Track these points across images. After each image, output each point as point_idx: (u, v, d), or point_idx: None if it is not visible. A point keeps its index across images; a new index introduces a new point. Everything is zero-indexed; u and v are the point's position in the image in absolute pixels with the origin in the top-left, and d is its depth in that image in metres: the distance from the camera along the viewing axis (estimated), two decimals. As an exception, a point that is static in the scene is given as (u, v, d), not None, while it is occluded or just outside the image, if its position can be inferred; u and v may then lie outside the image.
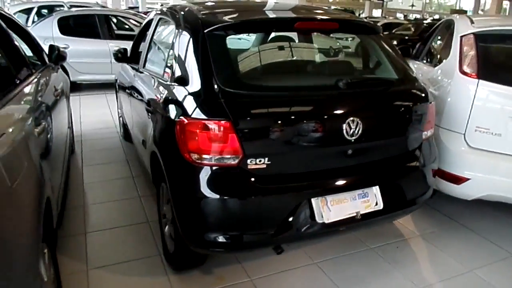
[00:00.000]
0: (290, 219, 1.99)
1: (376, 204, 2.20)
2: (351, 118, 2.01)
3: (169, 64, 2.40)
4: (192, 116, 1.92)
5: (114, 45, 7.03)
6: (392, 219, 2.59)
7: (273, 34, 2.36)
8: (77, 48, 6.62)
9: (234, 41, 2.15)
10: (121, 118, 4.65)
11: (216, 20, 2.16)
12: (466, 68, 2.75)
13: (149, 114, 2.51)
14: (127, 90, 3.58)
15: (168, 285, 2.29)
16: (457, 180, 2.72)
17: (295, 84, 2.15)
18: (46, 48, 3.42)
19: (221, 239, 1.94)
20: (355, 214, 2.12)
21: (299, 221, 2.01)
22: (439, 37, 3.89)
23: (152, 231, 2.83)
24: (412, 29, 14.01)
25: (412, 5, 38.68)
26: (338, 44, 2.58)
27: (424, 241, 2.84)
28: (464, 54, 2.85)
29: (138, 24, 8.88)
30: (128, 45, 6.95)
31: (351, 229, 2.21)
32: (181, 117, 1.96)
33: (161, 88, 2.37)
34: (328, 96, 2.08)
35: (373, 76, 2.43)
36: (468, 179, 2.68)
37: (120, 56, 3.88)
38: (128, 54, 3.90)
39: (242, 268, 2.45)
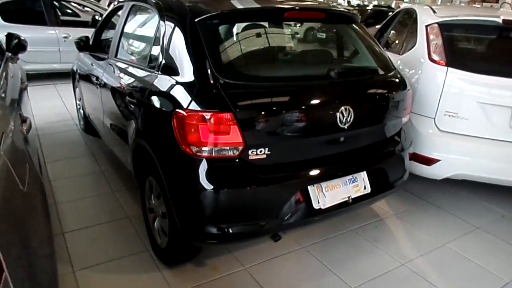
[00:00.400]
0: (290, 206, 2.03)
1: (365, 188, 2.31)
2: (344, 106, 2.08)
3: (154, 54, 2.32)
4: (190, 108, 1.89)
5: (62, 32, 6.61)
6: (376, 201, 2.73)
7: (262, 24, 2.35)
8: (24, 37, 6.11)
9: (225, 31, 2.11)
10: (81, 110, 4.41)
11: (206, 9, 2.11)
12: (434, 56, 2.92)
13: (131, 105, 2.41)
14: (92, 80, 3.40)
15: (163, 281, 2.25)
16: (429, 161, 2.91)
17: (291, 74, 2.17)
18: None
19: (223, 231, 1.94)
20: (347, 199, 2.22)
21: (298, 208, 2.06)
22: (400, 26, 4.07)
23: (135, 227, 2.75)
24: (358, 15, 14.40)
25: (352, -9, 39.74)
26: (323, 33, 2.63)
27: (398, 220, 3.02)
28: (431, 43, 3.02)
29: (83, 9, 8.40)
30: (75, 31, 6.69)
31: (343, 213, 2.30)
32: (178, 110, 1.91)
33: (147, 78, 2.29)
34: (324, 86, 2.13)
35: (360, 65, 2.52)
36: (438, 160, 2.88)
37: (83, 44, 3.67)
38: (90, 43, 3.70)
39: (234, 258, 2.47)
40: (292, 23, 2.43)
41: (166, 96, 2.07)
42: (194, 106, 1.89)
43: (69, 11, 7.78)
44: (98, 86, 3.19)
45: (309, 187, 2.09)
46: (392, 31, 4.24)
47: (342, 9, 2.49)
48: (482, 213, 3.15)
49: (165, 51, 2.16)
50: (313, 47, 2.62)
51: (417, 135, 2.90)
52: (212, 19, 2.08)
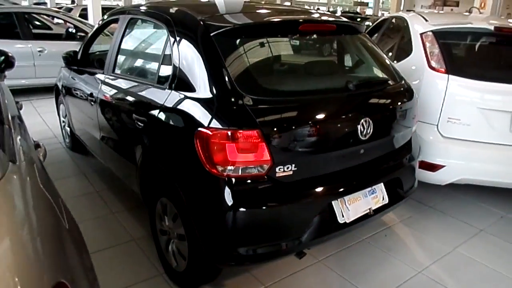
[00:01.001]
0: (317, 222, 1.99)
1: (383, 198, 2.31)
2: (364, 118, 2.07)
3: (163, 70, 2.23)
4: (213, 126, 1.82)
5: (37, 46, 6.34)
6: (391, 211, 2.73)
7: (277, 37, 2.31)
8: (-3, 50, 5.81)
9: (241, 44, 2.06)
10: (67, 127, 4.22)
11: (220, 23, 2.05)
12: (434, 64, 2.98)
13: (139, 123, 2.31)
14: (84, 97, 3.26)
15: (183, 306, 2.16)
16: (433, 167, 2.95)
17: (311, 87, 2.15)
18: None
19: (253, 251, 1.88)
20: (368, 211, 2.21)
21: (324, 224, 2.03)
22: (389, 34, 4.15)
23: (142, 250, 2.63)
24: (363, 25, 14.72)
25: (318, -2, 40.63)
26: (333, 45, 2.63)
27: (406, 227, 3.04)
28: (429, 51, 3.08)
29: (54, 22, 8.10)
30: (50, 45, 6.44)
31: (364, 225, 2.28)
32: (201, 128, 1.83)
33: (157, 95, 2.20)
34: (344, 98, 2.12)
35: (373, 76, 2.53)
36: (443, 166, 2.92)
37: (71, 59, 3.52)
38: (78, 57, 3.55)
39: (253, 277, 2.40)
40: (306, 36, 2.40)
41: (183, 114, 1.99)
42: (216, 124, 1.83)
43: (41, 24, 7.48)
44: (92, 103, 3.05)
45: (333, 201, 2.06)
46: (380, 40, 4.31)
47: (350, 21, 2.50)
48: (482, 215, 3.23)
49: (178, 67, 2.09)
50: (326, 59, 2.61)
51: (421, 142, 2.93)
52: (228, 33, 2.02)
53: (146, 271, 2.43)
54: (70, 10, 10.60)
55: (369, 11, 33.23)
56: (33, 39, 6.43)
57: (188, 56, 2.05)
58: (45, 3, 14.00)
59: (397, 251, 2.72)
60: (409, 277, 2.46)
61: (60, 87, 4.05)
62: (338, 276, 2.44)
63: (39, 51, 6.32)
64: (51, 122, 5.20)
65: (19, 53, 6.21)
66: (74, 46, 6.42)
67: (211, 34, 1.99)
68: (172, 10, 2.34)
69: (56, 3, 13.91)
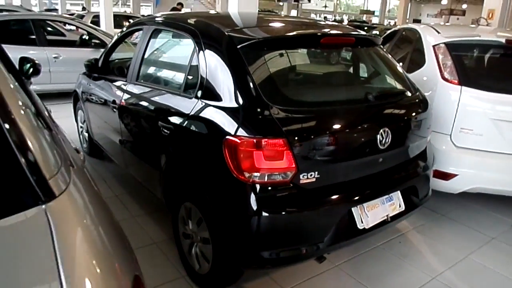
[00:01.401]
0: (337, 228, 2.07)
1: (400, 206, 2.38)
2: (383, 128, 2.16)
3: (190, 80, 2.33)
4: (240, 134, 1.91)
5: (52, 52, 6.48)
6: (407, 218, 2.81)
7: (300, 50, 2.41)
8: (12, 57, 5.94)
9: (266, 56, 2.16)
10: (85, 133, 4.32)
11: (246, 36, 2.15)
12: (447, 76, 3.07)
13: (165, 130, 2.41)
14: (106, 103, 3.36)
15: (206, 307, 2.23)
16: (446, 176, 3.03)
17: (333, 98, 2.24)
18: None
19: (277, 255, 1.96)
20: (386, 217, 2.28)
21: (344, 229, 2.11)
22: (401, 45, 4.24)
23: (164, 253, 2.72)
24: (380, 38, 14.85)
25: (325, 6, 40.98)
26: (352, 57, 2.72)
27: (418, 234, 3.11)
28: (441, 63, 3.16)
29: (66, 28, 8.26)
30: (65, 51, 6.58)
31: (381, 231, 2.36)
32: (229, 137, 1.92)
33: (184, 104, 2.29)
34: (364, 109, 2.21)
35: (391, 87, 2.61)
36: (456, 175, 3.00)
37: (92, 67, 3.64)
38: (99, 65, 3.67)
39: (272, 280, 2.47)
40: (326, 48, 2.51)
41: (210, 122, 2.08)
42: (243, 132, 1.92)
43: (54, 30, 7.63)
44: (115, 110, 3.16)
45: (353, 208, 2.14)
46: (392, 51, 4.40)
47: (367, 34, 2.60)
48: (494, 224, 3.29)
49: (206, 77, 2.18)
50: (346, 70, 2.70)
51: (435, 151, 3.01)
52: (253, 45, 2.12)
53: (169, 273, 2.51)
54: (82, 17, 10.79)
55: (375, 20, 33.47)
56: (48, 46, 6.58)
57: (215, 67, 2.14)
58: (56, 10, 14.25)
59: (411, 258, 2.79)
60: (423, 283, 2.53)
61: (79, 93, 4.16)
62: (355, 281, 2.51)
63: (55, 57, 6.47)
64: (67, 127, 5.24)
65: (36, 59, 6.39)
66: (89, 52, 6.63)
67: (238, 47, 2.09)
68: (198, 23, 2.44)
69: (67, 10, 14.14)
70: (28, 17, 6.53)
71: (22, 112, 1.02)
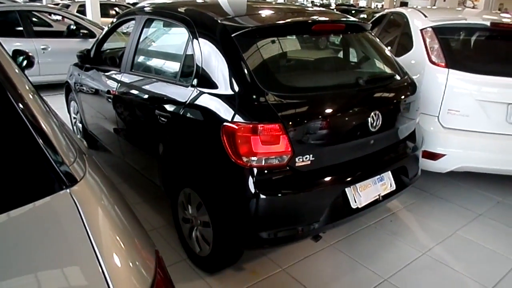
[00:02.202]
0: (332, 208, 2.17)
1: (391, 185, 2.49)
2: (374, 111, 2.25)
3: (186, 68, 2.38)
4: (237, 120, 1.98)
5: (40, 43, 6.42)
6: (398, 197, 2.92)
7: (292, 36, 2.47)
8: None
9: (260, 44, 2.22)
10: (78, 124, 4.35)
11: (240, 24, 2.20)
12: (434, 59, 3.15)
13: (162, 119, 2.46)
14: (100, 94, 3.39)
15: (208, 287, 2.33)
16: (434, 156, 3.14)
17: (326, 83, 2.32)
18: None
19: (275, 235, 2.05)
20: (378, 197, 2.39)
21: (338, 209, 2.21)
22: (389, 29, 4.31)
23: (164, 238, 2.80)
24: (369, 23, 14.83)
25: (313, -10, 40.68)
26: (343, 43, 2.79)
27: (409, 212, 3.23)
28: (429, 46, 3.25)
29: (53, 19, 8.15)
30: (53, 42, 6.52)
31: (374, 210, 2.46)
32: (227, 123, 1.99)
33: (180, 92, 2.34)
34: (356, 93, 2.29)
35: (381, 72, 2.69)
36: (444, 155, 3.11)
37: (84, 57, 3.66)
38: (91, 55, 3.68)
39: (270, 260, 2.57)
40: (317, 35, 2.57)
41: (207, 110, 2.14)
42: (240, 118, 1.99)
43: (40, 21, 7.53)
44: (110, 100, 3.19)
45: (346, 188, 2.24)
46: (381, 35, 4.47)
47: (357, 20, 2.66)
48: (481, 201, 3.43)
49: (201, 66, 2.24)
50: (337, 56, 2.77)
51: (423, 132, 3.11)
52: (247, 33, 2.17)
53: (171, 257, 2.59)
54: (67, 6, 10.62)
55: (362, 3, 33.39)
56: (35, 37, 6.52)
57: (210, 56, 2.20)
58: (40, 0, 13.97)
59: (402, 235, 2.91)
60: (414, 258, 2.65)
61: (71, 84, 4.17)
62: (349, 258, 2.62)
63: (43, 48, 6.41)
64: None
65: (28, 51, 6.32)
66: (77, 43, 6.59)
67: (232, 35, 2.14)
68: (191, 12, 2.48)
69: (52, 0, 13.89)
70: (14, 9, 6.44)
71: (38, 106, 1.08)
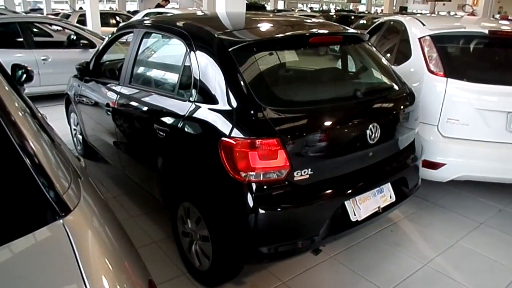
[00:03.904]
0: (331, 221, 2.16)
1: (390, 197, 2.48)
2: (372, 124, 2.24)
3: (184, 83, 2.39)
4: (235, 135, 1.97)
5: (41, 54, 6.45)
6: (398, 208, 2.91)
7: (289, 50, 2.48)
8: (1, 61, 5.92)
9: (257, 58, 2.22)
10: (78, 135, 4.36)
11: (237, 38, 2.21)
12: (433, 68, 3.15)
13: (160, 133, 2.46)
14: (99, 106, 3.40)
15: (208, 302, 2.32)
16: (434, 165, 3.13)
17: (323, 97, 2.31)
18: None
19: (275, 249, 2.04)
20: (377, 209, 2.37)
21: (338, 222, 2.20)
22: (387, 38, 4.31)
23: (164, 251, 2.79)
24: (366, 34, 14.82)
25: (311, -4, 40.98)
26: (340, 54, 2.79)
27: (410, 222, 3.22)
28: (427, 55, 3.25)
29: (54, 29, 8.19)
30: (53, 53, 6.55)
31: (374, 222, 2.45)
32: (225, 138, 1.99)
33: (178, 107, 2.34)
34: (353, 106, 2.29)
35: (379, 83, 2.69)
36: (444, 164, 3.10)
37: (83, 70, 3.67)
38: (91, 68, 3.69)
39: (270, 273, 2.56)
40: (315, 47, 2.57)
41: (206, 124, 2.14)
42: (237, 133, 1.98)
43: (41, 31, 7.57)
44: (109, 112, 3.19)
45: (345, 201, 2.23)
46: (379, 43, 4.48)
47: (354, 31, 2.67)
48: (482, 210, 3.41)
49: (199, 80, 2.24)
50: (335, 68, 2.77)
51: (423, 142, 3.10)
52: (244, 48, 2.18)
53: (170, 271, 2.58)
54: (68, 16, 10.69)
55: (362, 8, 33.54)
56: (36, 48, 6.55)
57: (208, 71, 2.20)
58: (40, 10, 14.06)
59: (403, 245, 2.89)
60: (415, 269, 2.63)
61: (71, 96, 4.18)
62: (350, 271, 2.60)
63: (43, 59, 6.44)
64: (60, 130, 5.25)
65: (24, 62, 6.29)
66: (77, 53, 6.62)
67: (229, 50, 2.14)
68: (189, 26, 2.49)
69: (53, 9, 13.98)
70: (15, 20, 6.48)
71: (33, 130, 1.08)
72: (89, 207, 1.02)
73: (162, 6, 11.09)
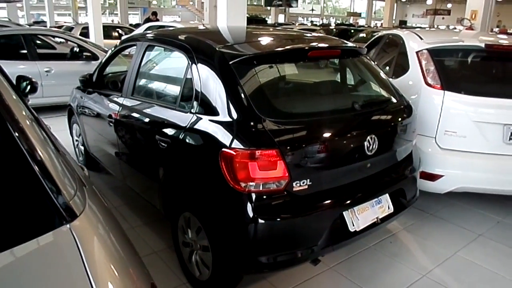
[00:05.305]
0: (330, 231, 2.19)
1: (388, 208, 2.51)
2: (370, 135, 2.29)
3: (185, 95, 2.44)
4: (235, 146, 2.02)
5: (44, 66, 6.53)
6: (396, 219, 2.93)
7: (288, 63, 2.54)
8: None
9: (257, 71, 2.27)
10: (80, 146, 4.40)
11: (237, 52, 2.27)
12: (430, 81, 3.21)
13: (162, 143, 2.50)
14: (102, 117, 3.45)
15: (208, 312, 2.33)
16: (433, 177, 3.16)
17: (321, 109, 2.36)
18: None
19: (274, 259, 2.07)
20: (376, 219, 2.40)
21: (337, 232, 2.22)
22: (386, 51, 4.39)
23: (165, 261, 2.80)
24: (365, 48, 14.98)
25: (312, 10, 41.43)
26: (338, 68, 2.85)
27: (408, 233, 3.23)
28: (425, 68, 3.31)
29: (57, 41, 8.31)
30: (56, 65, 6.64)
31: (372, 232, 2.47)
32: (225, 149, 2.03)
33: (180, 118, 2.39)
34: (351, 118, 2.34)
35: (376, 96, 2.74)
36: (442, 176, 3.13)
37: (87, 81, 3.73)
38: (94, 80, 3.75)
39: (269, 283, 2.57)
40: (314, 61, 2.63)
41: (206, 135, 2.18)
42: (238, 144, 2.03)
43: (44, 43, 7.68)
44: (111, 124, 3.24)
45: (344, 212, 2.26)
46: (378, 56, 4.55)
47: (352, 45, 2.73)
48: (480, 221, 3.43)
49: (201, 92, 2.29)
50: (333, 81, 2.83)
51: (421, 154, 3.13)
52: (245, 61, 2.23)
53: (170, 281, 2.60)
54: (71, 29, 10.83)
55: (361, 21, 33.91)
56: (39, 60, 6.64)
57: (209, 83, 2.25)
58: (44, 22, 14.25)
59: (402, 257, 2.91)
60: (414, 281, 2.65)
61: (74, 107, 4.23)
62: (350, 282, 2.62)
63: (46, 71, 6.52)
64: (62, 141, 5.30)
65: (27, 73, 6.37)
66: (80, 65, 6.71)
67: (230, 63, 2.20)
68: (191, 39, 2.55)
69: (56, 22, 14.16)
70: (18, 32, 6.58)
71: (40, 139, 1.12)
72: (94, 214, 1.06)
73: (152, 21, 11.16)
